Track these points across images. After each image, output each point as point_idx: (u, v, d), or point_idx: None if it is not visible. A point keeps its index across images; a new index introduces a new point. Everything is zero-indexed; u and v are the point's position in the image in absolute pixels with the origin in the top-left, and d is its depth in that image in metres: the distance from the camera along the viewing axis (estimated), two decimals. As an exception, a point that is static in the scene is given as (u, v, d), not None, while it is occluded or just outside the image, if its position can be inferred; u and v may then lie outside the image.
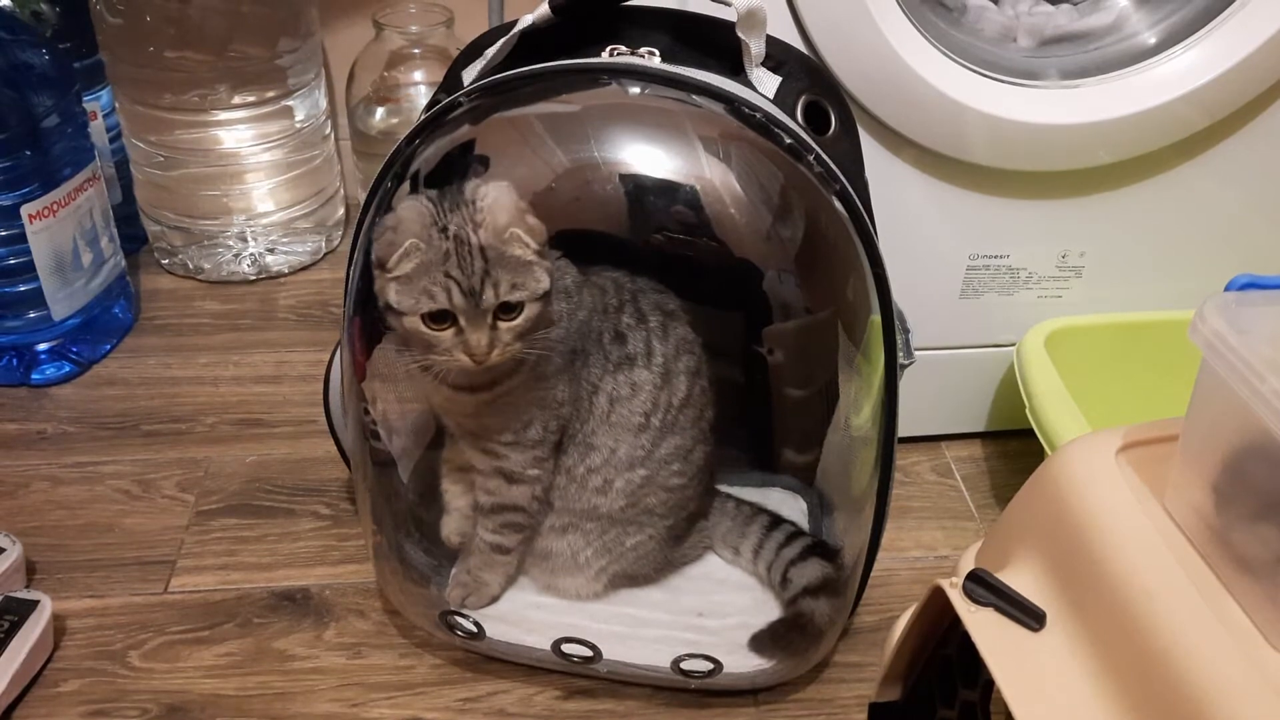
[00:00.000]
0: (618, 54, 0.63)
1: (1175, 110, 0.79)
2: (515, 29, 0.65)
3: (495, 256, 0.58)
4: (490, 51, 0.67)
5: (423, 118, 0.65)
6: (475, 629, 0.72)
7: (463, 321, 0.59)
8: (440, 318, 0.59)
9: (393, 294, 0.60)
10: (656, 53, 0.64)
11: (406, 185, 0.63)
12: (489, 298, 0.59)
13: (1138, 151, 0.81)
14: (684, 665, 0.71)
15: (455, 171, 0.62)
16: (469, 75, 0.68)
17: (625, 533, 0.70)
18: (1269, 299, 0.58)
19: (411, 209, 0.60)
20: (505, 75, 0.64)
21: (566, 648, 0.71)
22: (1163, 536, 0.53)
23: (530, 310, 0.60)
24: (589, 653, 0.71)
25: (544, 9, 0.64)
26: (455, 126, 0.64)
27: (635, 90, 0.62)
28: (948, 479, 0.94)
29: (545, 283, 0.60)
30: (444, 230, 0.59)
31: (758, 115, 0.61)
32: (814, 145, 0.62)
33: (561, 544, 0.70)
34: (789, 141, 0.62)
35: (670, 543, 0.72)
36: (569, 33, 0.65)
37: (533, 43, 0.65)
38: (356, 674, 0.75)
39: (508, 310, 0.59)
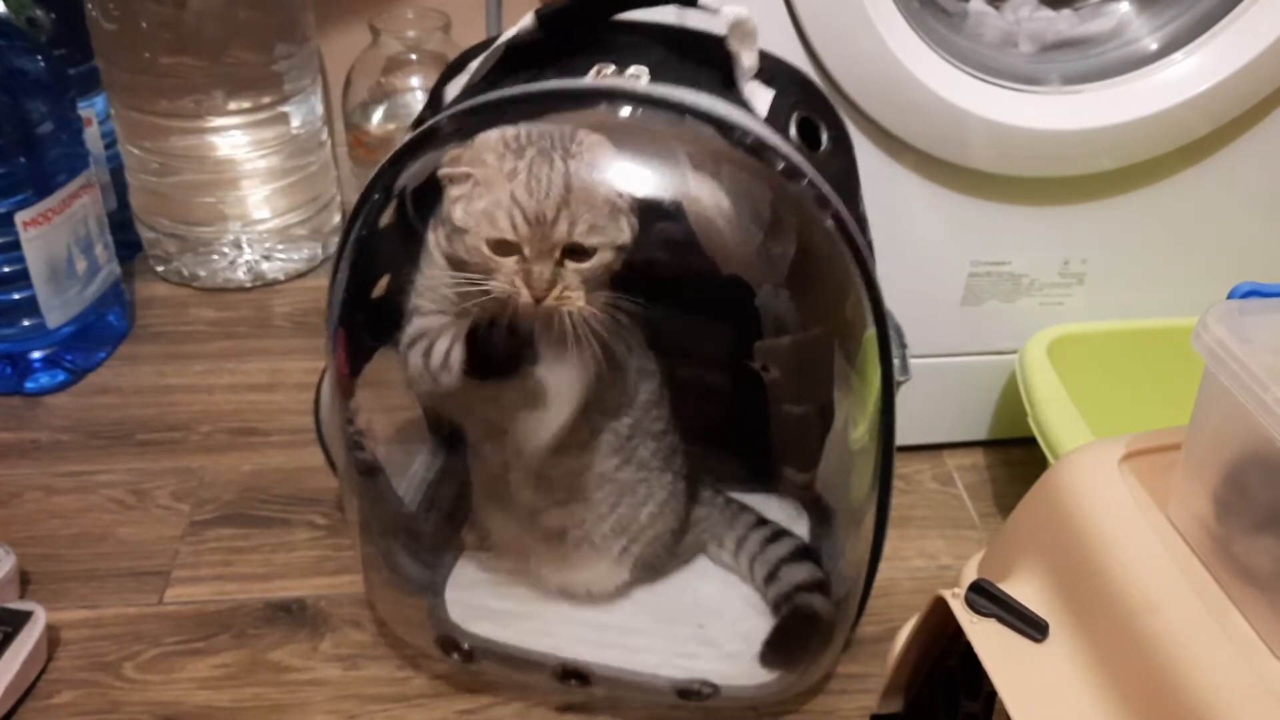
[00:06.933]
0: (605, 74, 0.60)
1: (1177, 116, 0.79)
2: (499, 41, 0.63)
3: (581, 190, 0.55)
4: (474, 65, 0.64)
5: (405, 140, 0.63)
6: (467, 652, 0.71)
7: (527, 251, 0.55)
8: (503, 248, 0.56)
9: (458, 211, 0.56)
10: (645, 71, 0.60)
11: (393, 203, 0.62)
12: (560, 232, 0.55)
13: (1140, 157, 0.81)
14: (684, 689, 0.70)
15: (440, 194, 0.60)
16: (452, 91, 0.66)
17: (636, 499, 0.69)
18: (1272, 307, 0.58)
19: (493, 131, 0.56)
20: (488, 98, 0.61)
21: (563, 679, 0.71)
22: (1165, 546, 0.53)
23: (604, 256, 0.56)
24: (585, 683, 0.70)
25: (529, 21, 0.62)
26: (438, 149, 0.61)
27: (625, 112, 0.59)
28: (950, 487, 0.93)
29: (627, 235, 0.56)
30: (520, 151, 0.55)
31: (749, 140, 0.59)
32: (807, 169, 0.60)
33: (564, 519, 0.69)
34: (781, 166, 0.59)
35: (678, 523, 0.71)
36: (555, 45, 0.63)
37: (517, 55, 0.63)
38: (352, 685, 0.75)
39: (579, 252, 0.56)
